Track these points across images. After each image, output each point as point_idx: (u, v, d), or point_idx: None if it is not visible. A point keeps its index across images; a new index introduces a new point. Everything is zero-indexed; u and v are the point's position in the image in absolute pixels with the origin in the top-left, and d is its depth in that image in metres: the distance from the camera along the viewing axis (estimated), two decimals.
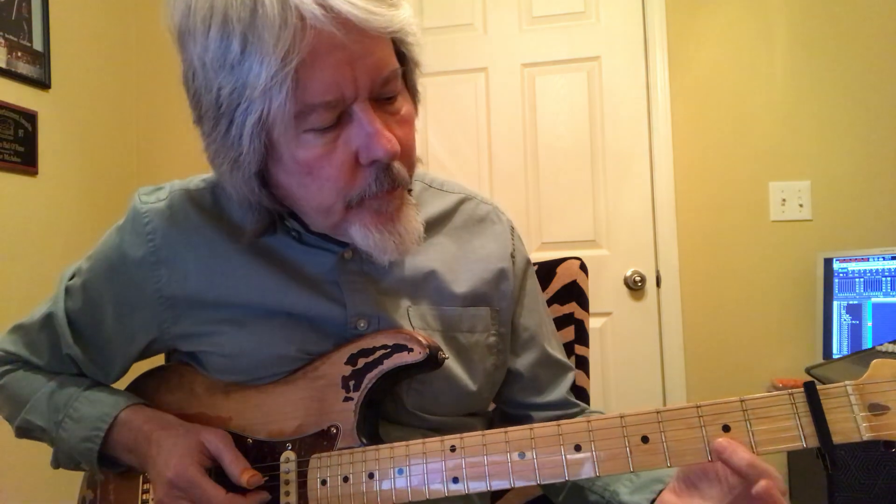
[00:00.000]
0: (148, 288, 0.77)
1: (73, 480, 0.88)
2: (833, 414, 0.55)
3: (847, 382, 0.55)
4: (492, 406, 0.91)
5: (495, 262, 0.84)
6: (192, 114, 0.67)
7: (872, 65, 2.07)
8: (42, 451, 0.84)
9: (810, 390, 0.56)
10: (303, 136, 0.63)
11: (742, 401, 0.58)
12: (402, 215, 0.70)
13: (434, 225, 0.83)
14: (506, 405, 0.89)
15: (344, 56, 0.60)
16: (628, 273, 2.20)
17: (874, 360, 0.55)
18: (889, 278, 1.84)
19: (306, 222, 0.75)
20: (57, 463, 0.83)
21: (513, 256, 0.87)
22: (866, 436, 0.54)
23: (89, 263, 0.81)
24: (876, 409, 0.54)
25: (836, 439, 0.54)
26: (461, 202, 0.87)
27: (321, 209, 0.68)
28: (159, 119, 2.47)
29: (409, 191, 0.76)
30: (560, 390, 0.88)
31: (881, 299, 1.85)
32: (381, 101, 0.65)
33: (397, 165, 0.66)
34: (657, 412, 0.60)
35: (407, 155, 0.68)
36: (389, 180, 0.66)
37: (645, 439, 0.60)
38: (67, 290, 0.82)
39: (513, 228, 0.90)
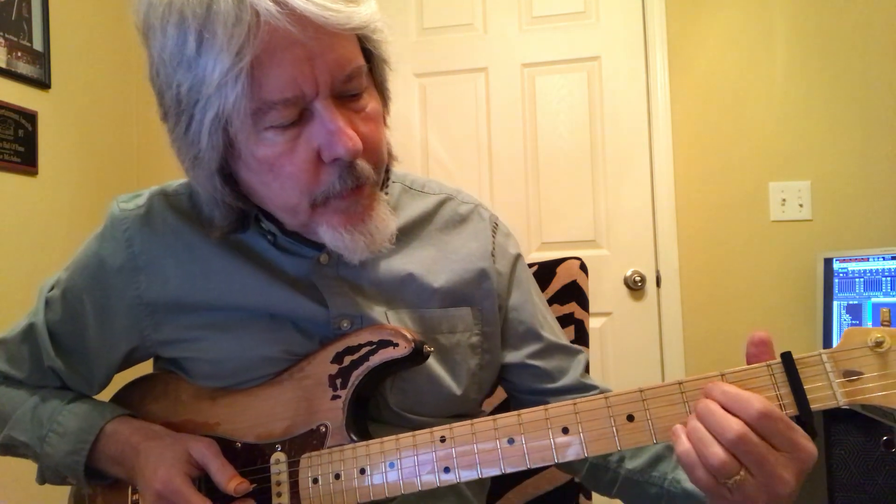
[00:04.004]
0: (128, 295, 0.76)
1: (60, 496, 0.86)
2: (810, 382, 0.56)
3: (822, 351, 0.57)
4: (494, 405, 0.89)
5: (475, 262, 0.82)
6: (159, 110, 0.68)
7: (872, 65, 2.07)
8: (27, 466, 0.81)
9: (787, 361, 0.57)
10: (263, 133, 0.63)
11: (722, 375, 0.59)
12: (374, 213, 0.69)
13: (413, 227, 0.82)
14: (522, 394, 0.86)
15: (302, 53, 0.60)
16: (628, 273, 2.20)
17: (846, 329, 0.57)
18: (889, 278, 1.84)
19: (280, 221, 0.74)
20: (43, 478, 0.80)
21: (493, 255, 0.84)
22: (843, 401, 0.55)
23: (68, 273, 0.81)
24: (850, 376, 0.55)
25: (814, 406, 0.56)
26: (442, 203, 0.86)
27: (286, 208, 0.68)
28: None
29: (386, 191, 0.75)
30: (573, 374, 0.85)
31: (881, 299, 1.84)
32: (346, 98, 0.65)
33: (361, 163, 0.65)
34: (640, 391, 0.61)
35: (373, 152, 0.67)
36: (353, 178, 0.65)
37: (630, 418, 0.60)
38: (47, 302, 0.81)
39: (496, 225, 0.87)
